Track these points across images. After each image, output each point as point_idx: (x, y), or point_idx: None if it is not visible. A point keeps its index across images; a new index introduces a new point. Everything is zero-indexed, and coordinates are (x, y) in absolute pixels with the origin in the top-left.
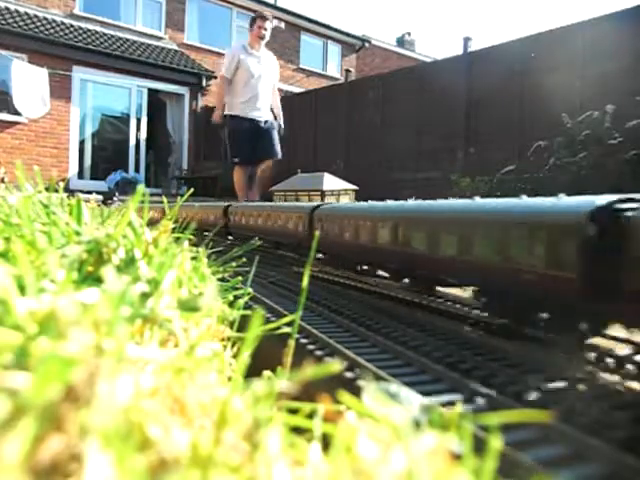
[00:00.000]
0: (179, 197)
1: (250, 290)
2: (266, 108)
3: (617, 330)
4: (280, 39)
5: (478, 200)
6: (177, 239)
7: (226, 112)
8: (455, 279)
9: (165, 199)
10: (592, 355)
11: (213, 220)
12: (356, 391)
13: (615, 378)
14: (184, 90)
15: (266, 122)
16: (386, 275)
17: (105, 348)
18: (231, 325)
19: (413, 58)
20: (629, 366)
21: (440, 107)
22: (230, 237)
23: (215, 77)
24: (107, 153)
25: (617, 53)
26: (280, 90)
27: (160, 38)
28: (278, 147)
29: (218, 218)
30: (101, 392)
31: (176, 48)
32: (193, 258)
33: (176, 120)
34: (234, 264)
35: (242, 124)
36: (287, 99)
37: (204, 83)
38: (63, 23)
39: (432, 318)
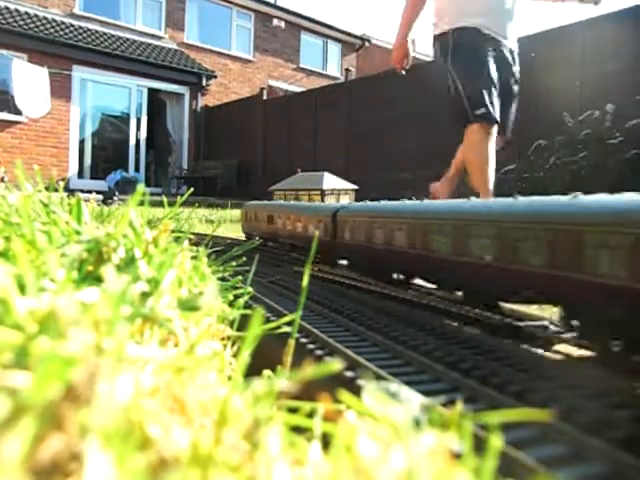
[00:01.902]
0: (179, 197)
1: (250, 289)
2: (513, 29)
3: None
4: (280, 38)
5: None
6: (177, 238)
7: (449, 25)
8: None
9: (165, 198)
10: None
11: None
12: (356, 390)
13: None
14: (184, 90)
15: (512, 54)
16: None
17: (105, 347)
18: (231, 324)
19: (413, 57)
20: None
21: (440, 106)
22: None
23: (215, 77)
24: (107, 152)
25: (617, 53)
26: (279, 89)
27: (160, 37)
28: (513, 110)
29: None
30: (101, 391)
31: (176, 47)
32: (193, 257)
33: (176, 120)
34: (234, 263)
35: (484, 43)
36: (287, 98)
37: (204, 82)
38: (63, 22)
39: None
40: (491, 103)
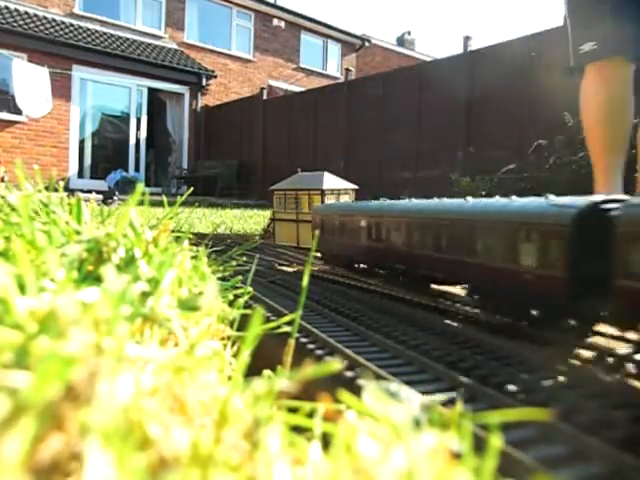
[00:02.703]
0: (179, 197)
1: (250, 289)
2: None
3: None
4: (280, 38)
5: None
6: (177, 238)
7: None
8: None
9: (165, 198)
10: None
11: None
12: (356, 390)
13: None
14: (184, 89)
15: None
16: None
17: (105, 347)
18: (231, 324)
19: (413, 57)
20: None
21: (440, 106)
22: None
23: (215, 76)
24: (107, 152)
25: None
26: (279, 89)
27: (160, 37)
28: None
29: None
30: (101, 391)
31: (176, 47)
32: (193, 257)
33: (176, 119)
34: (234, 263)
35: None
36: (287, 98)
37: (204, 82)
38: (63, 22)
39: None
40: (606, 32)
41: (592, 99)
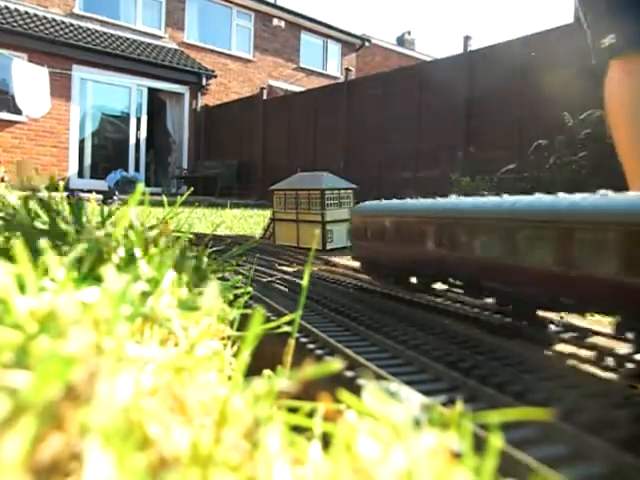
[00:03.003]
0: (179, 196)
1: (250, 289)
2: None
3: None
4: (280, 38)
5: None
6: (177, 238)
7: None
8: None
9: (165, 198)
10: None
11: None
12: (356, 390)
13: None
14: (184, 89)
15: None
16: None
17: (105, 347)
18: (231, 324)
19: (413, 57)
20: None
21: (440, 106)
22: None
23: (215, 76)
24: (107, 152)
25: None
26: (279, 89)
27: (160, 37)
28: None
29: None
30: (101, 391)
31: (176, 47)
32: (193, 257)
33: (176, 119)
34: (234, 263)
35: None
36: (287, 98)
37: (204, 82)
38: (63, 22)
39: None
40: (623, 25)
41: (616, 90)
